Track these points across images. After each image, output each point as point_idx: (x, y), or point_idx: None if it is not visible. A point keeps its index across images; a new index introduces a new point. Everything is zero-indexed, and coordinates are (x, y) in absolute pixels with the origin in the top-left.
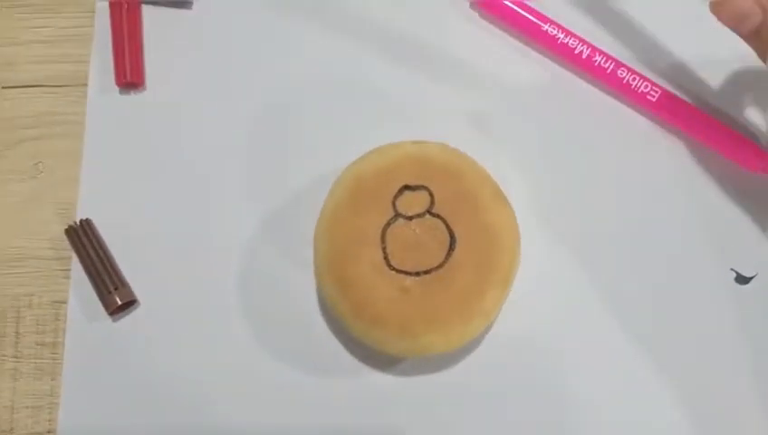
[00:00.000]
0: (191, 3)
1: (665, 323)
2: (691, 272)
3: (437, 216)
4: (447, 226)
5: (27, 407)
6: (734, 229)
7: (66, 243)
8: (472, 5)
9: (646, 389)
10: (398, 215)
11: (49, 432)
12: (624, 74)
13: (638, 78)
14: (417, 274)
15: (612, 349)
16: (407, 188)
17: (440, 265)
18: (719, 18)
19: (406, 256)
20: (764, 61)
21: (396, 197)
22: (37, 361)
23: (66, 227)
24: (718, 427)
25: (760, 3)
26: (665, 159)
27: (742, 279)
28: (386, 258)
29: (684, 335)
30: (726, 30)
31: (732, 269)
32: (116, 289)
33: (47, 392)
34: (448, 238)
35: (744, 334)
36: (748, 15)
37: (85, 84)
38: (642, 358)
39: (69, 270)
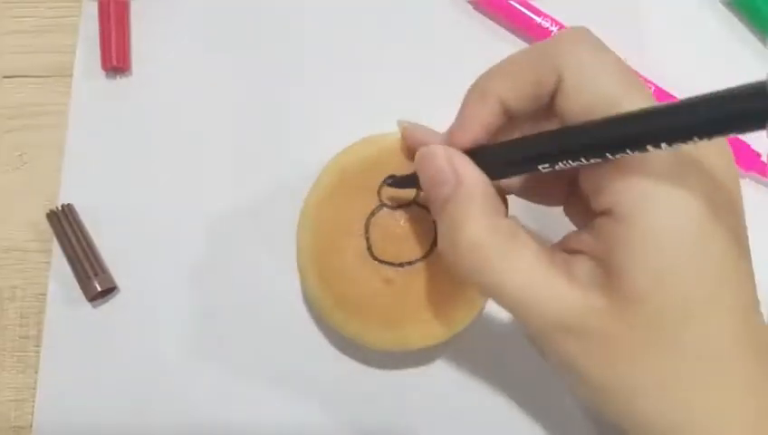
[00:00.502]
0: None
1: None
2: None
3: (423, 206)
4: (432, 216)
5: (10, 400)
6: None
7: (50, 234)
8: None
9: None
10: (382, 205)
11: (32, 426)
12: None
13: None
14: (401, 265)
15: None
16: (392, 178)
17: (424, 256)
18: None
19: (390, 246)
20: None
21: (381, 186)
22: (20, 353)
23: (47, 211)
24: None
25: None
26: None
27: None
28: (369, 248)
29: None
30: (723, 31)
31: None
32: (96, 275)
33: (30, 385)
34: (433, 229)
35: None
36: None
37: (70, 75)
38: None
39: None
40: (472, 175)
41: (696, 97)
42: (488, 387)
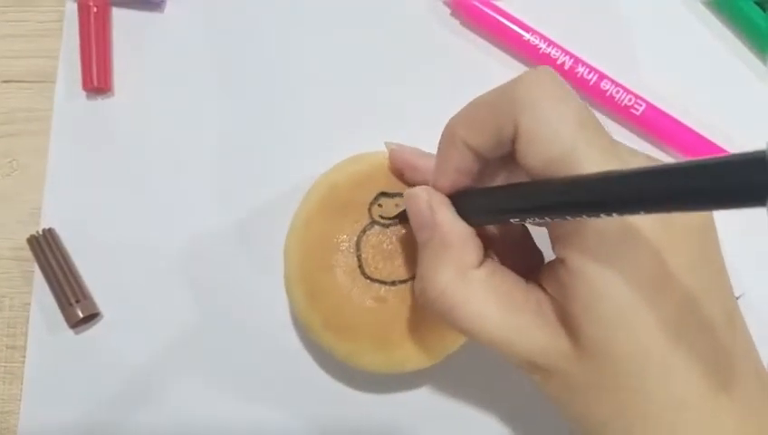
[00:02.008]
0: (162, 5)
1: None
2: None
3: None
4: None
5: None
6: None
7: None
8: (453, 13)
9: None
10: (373, 222)
11: None
12: (608, 87)
13: (621, 91)
14: (393, 283)
15: None
16: (384, 195)
17: None
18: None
19: (381, 264)
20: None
21: (372, 204)
22: (7, 364)
23: (28, 236)
24: None
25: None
26: None
27: None
28: (360, 266)
29: None
30: (712, 43)
31: None
32: (77, 302)
33: (16, 397)
34: None
35: None
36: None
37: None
38: None
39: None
40: (447, 222)
41: (681, 163)
42: (482, 406)
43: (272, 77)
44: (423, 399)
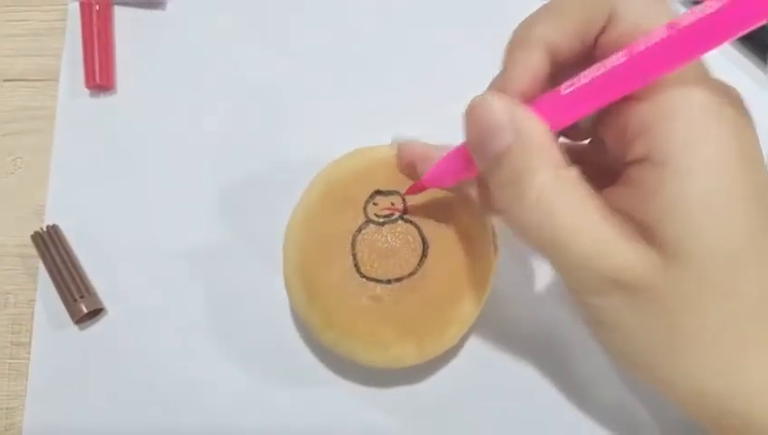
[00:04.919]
0: (164, 3)
1: None
2: None
3: (410, 221)
4: (420, 232)
5: (1, 408)
6: None
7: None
8: None
9: (631, 396)
10: (369, 221)
11: None
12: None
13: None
14: (389, 281)
15: (593, 354)
16: (379, 193)
17: (412, 273)
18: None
19: (377, 263)
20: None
21: (367, 202)
22: (12, 361)
23: (32, 232)
24: None
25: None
26: None
27: None
28: (356, 265)
29: None
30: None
31: None
32: (82, 297)
33: (22, 393)
34: (421, 245)
35: None
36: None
37: None
38: None
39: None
40: (534, 123)
41: None
42: (480, 408)
43: (272, 74)
44: (422, 392)
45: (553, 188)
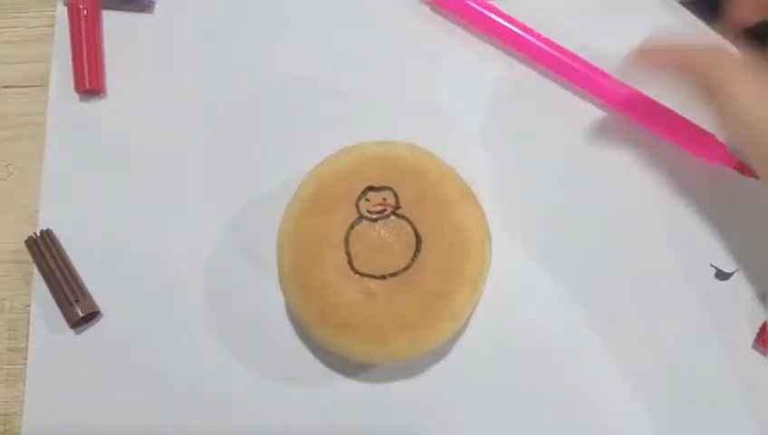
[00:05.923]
0: (152, 7)
1: (643, 321)
2: (671, 269)
3: (403, 217)
4: (413, 227)
5: None
6: (713, 226)
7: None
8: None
9: (623, 387)
10: (361, 217)
11: None
12: (582, 69)
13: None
14: (383, 277)
15: (588, 348)
16: (371, 189)
17: (406, 268)
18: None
19: (370, 258)
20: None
21: (359, 198)
22: (9, 367)
23: (26, 238)
24: (698, 419)
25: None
26: (638, 156)
27: (722, 275)
28: (350, 262)
29: (663, 332)
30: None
31: (712, 265)
32: (77, 301)
33: (19, 399)
34: (414, 240)
35: (725, 330)
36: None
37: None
38: (619, 356)
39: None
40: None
41: None
42: (474, 402)
43: (260, 76)
44: (416, 387)
45: None
